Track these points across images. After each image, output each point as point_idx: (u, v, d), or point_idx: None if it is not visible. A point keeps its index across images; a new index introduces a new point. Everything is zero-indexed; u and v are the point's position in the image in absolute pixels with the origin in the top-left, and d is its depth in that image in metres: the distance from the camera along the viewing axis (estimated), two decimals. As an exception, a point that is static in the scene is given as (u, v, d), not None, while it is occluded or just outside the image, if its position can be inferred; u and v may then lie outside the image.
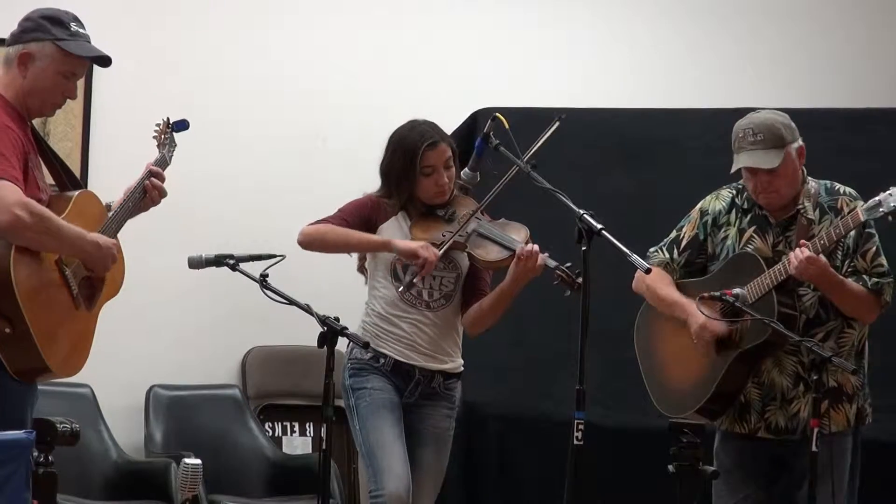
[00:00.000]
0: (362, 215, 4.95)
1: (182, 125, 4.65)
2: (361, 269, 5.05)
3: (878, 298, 4.63)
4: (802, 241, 4.56)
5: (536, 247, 4.73)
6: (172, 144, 4.62)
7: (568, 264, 4.64)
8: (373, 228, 4.95)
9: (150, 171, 4.46)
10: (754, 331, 4.61)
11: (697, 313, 4.69)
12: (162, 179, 4.47)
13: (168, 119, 4.66)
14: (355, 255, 5.05)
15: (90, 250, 4.16)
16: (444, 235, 4.86)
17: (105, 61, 4.28)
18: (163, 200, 4.60)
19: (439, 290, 4.93)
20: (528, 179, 4.39)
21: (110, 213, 4.36)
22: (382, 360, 4.90)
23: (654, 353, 4.93)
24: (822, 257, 4.52)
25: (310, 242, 4.89)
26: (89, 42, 4.24)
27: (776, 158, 4.60)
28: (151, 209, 4.60)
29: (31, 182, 4.11)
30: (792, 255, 4.53)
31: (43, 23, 4.16)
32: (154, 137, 4.63)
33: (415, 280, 4.81)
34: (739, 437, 4.78)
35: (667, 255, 4.90)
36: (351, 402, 4.92)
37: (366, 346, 4.55)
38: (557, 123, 4.68)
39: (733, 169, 4.67)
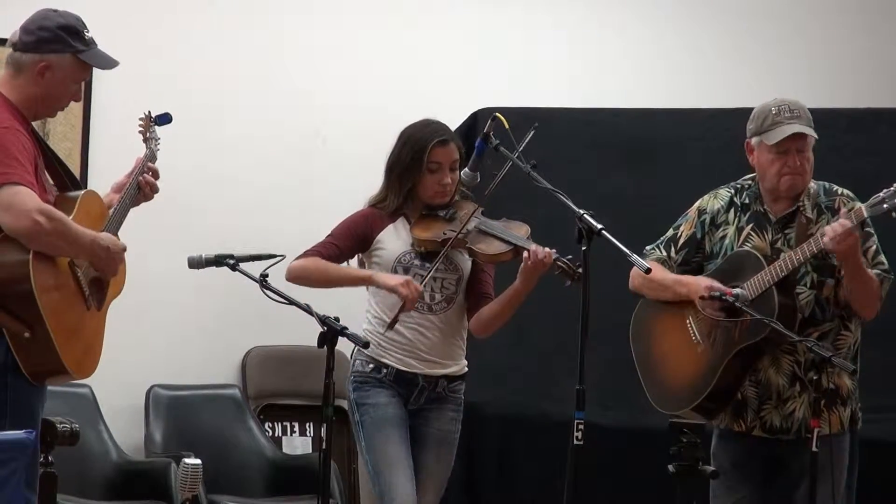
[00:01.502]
0: (355, 234, 4.95)
1: (164, 119, 4.65)
2: None
3: (880, 289, 4.64)
4: (843, 212, 4.54)
5: (541, 247, 4.72)
6: (157, 138, 4.63)
7: (569, 256, 4.65)
8: (369, 242, 4.93)
9: (144, 167, 4.47)
10: (753, 328, 4.61)
11: (699, 281, 4.70)
12: (155, 175, 4.49)
13: (149, 113, 4.66)
14: (354, 262, 5.04)
15: (102, 254, 4.22)
16: (445, 234, 4.86)
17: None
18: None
19: (441, 292, 4.92)
20: (528, 179, 4.40)
21: (111, 211, 4.38)
22: (385, 371, 4.90)
23: (651, 350, 4.92)
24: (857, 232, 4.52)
25: (295, 279, 4.86)
26: (97, 46, 4.30)
27: (814, 133, 4.64)
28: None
29: (41, 185, 4.16)
30: (828, 227, 4.50)
31: (62, 34, 4.21)
32: (139, 132, 4.64)
33: (398, 317, 4.77)
34: (736, 437, 4.78)
35: (664, 253, 4.90)
36: (355, 417, 4.94)
37: (366, 345, 4.55)
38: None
39: (779, 138, 4.61)
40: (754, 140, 4.72)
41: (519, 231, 4.88)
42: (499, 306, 4.90)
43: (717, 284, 4.67)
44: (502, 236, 4.84)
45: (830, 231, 4.47)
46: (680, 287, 4.78)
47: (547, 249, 4.70)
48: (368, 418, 4.88)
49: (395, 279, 4.78)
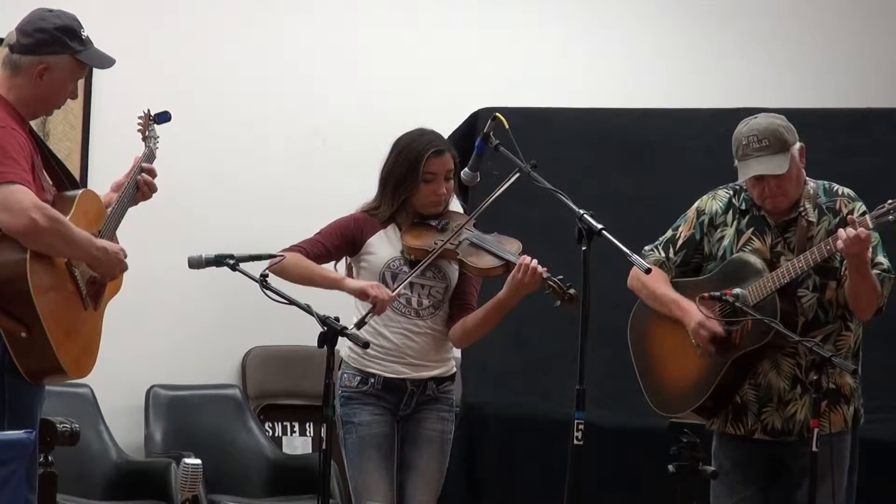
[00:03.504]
0: (344, 235, 4.94)
1: (164, 117, 4.64)
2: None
3: (881, 290, 4.63)
4: (851, 218, 4.52)
5: (535, 260, 4.71)
6: (156, 137, 4.63)
7: (560, 276, 4.64)
8: (358, 246, 4.92)
9: (142, 167, 4.47)
10: (756, 333, 4.61)
11: (694, 312, 4.69)
12: (153, 174, 4.49)
13: (149, 111, 4.66)
14: (341, 265, 5.03)
15: (99, 255, 4.20)
16: (436, 243, 4.85)
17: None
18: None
19: (428, 298, 4.91)
20: (528, 179, 4.39)
21: (109, 210, 4.37)
22: (372, 380, 4.89)
23: (649, 351, 4.92)
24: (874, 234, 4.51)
25: (276, 271, 4.72)
26: (93, 43, 4.30)
27: (784, 163, 4.60)
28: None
29: (38, 184, 4.15)
30: (842, 230, 4.48)
31: (60, 36, 4.20)
32: (138, 131, 4.64)
33: (366, 319, 4.72)
34: (736, 439, 4.78)
35: (662, 254, 4.89)
36: (341, 434, 4.95)
37: (366, 345, 4.54)
38: (518, 174, 4.55)
39: (742, 178, 4.64)
40: (735, 162, 4.71)
41: (511, 246, 4.86)
42: (481, 316, 4.89)
43: (712, 323, 4.63)
44: (494, 251, 4.82)
45: (843, 233, 4.44)
46: (677, 309, 4.77)
47: (539, 267, 4.68)
48: (351, 438, 4.90)
49: (364, 282, 4.76)
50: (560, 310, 4.64)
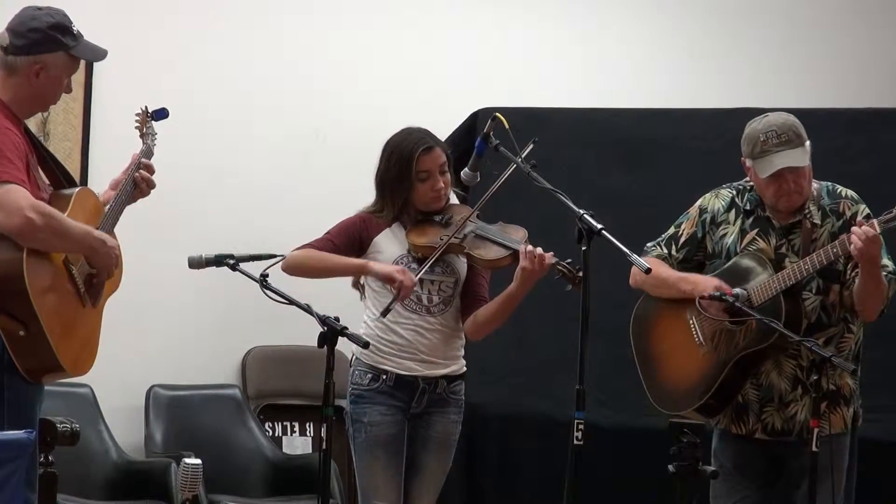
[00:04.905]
0: (350, 234, 4.93)
1: (161, 113, 4.65)
2: (356, 285, 5.03)
3: (888, 291, 4.62)
4: (860, 221, 4.51)
5: (539, 248, 4.71)
6: (153, 133, 4.63)
7: (568, 260, 4.63)
8: (364, 245, 4.92)
9: (140, 163, 4.47)
10: (759, 333, 4.61)
11: (705, 281, 4.69)
12: (151, 171, 4.48)
13: (146, 108, 4.66)
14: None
15: (97, 246, 4.21)
16: (441, 239, 4.84)
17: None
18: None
19: (438, 294, 4.91)
20: (528, 179, 4.39)
21: (106, 208, 4.37)
22: (384, 377, 4.88)
23: (652, 349, 4.92)
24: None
25: (292, 269, 4.80)
26: (83, 36, 4.30)
27: (805, 156, 4.61)
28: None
29: (33, 182, 4.16)
30: (856, 229, 4.44)
31: (53, 35, 4.21)
32: (136, 128, 4.64)
33: (391, 305, 4.74)
34: (737, 438, 4.78)
35: (665, 251, 4.89)
36: (350, 431, 4.94)
37: (366, 345, 4.54)
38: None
39: (765, 174, 4.59)
40: (748, 162, 4.70)
41: (516, 234, 4.85)
42: (494, 308, 4.88)
43: (724, 285, 4.65)
44: (500, 241, 4.82)
45: (855, 237, 4.42)
46: (684, 284, 4.76)
47: (546, 252, 4.69)
48: (361, 437, 4.88)
49: (391, 266, 4.77)
50: (573, 290, 4.60)
